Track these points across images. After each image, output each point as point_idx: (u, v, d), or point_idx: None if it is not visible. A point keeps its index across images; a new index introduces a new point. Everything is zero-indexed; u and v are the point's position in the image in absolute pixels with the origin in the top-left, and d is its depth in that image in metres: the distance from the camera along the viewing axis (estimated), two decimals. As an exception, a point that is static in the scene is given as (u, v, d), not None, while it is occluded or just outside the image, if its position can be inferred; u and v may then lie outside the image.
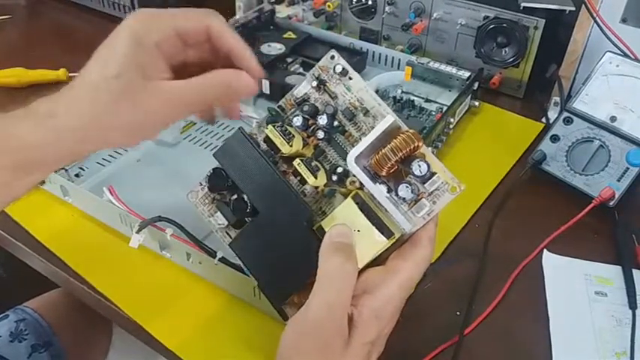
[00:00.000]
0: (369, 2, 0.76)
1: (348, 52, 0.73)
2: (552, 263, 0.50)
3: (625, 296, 0.47)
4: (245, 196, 0.38)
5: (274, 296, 0.37)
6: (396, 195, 0.33)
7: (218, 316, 0.45)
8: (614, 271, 0.49)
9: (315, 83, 0.38)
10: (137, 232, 0.46)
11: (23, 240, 0.51)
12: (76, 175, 0.57)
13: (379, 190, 0.33)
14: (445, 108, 0.62)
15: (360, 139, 0.34)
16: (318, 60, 0.38)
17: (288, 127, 0.37)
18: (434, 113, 0.64)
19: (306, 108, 0.37)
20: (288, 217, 0.36)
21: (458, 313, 0.46)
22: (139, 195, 0.52)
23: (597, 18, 0.60)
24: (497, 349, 0.44)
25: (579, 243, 0.52)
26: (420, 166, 0.33)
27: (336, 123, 0.37)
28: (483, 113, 0.69)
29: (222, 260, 0.44)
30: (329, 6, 0.77)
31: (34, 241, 0.51)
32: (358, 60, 0.72)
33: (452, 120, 0.62)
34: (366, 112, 0.37)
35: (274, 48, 0.72)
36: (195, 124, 0.65)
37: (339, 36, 0.76)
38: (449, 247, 0.51)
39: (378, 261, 0.34)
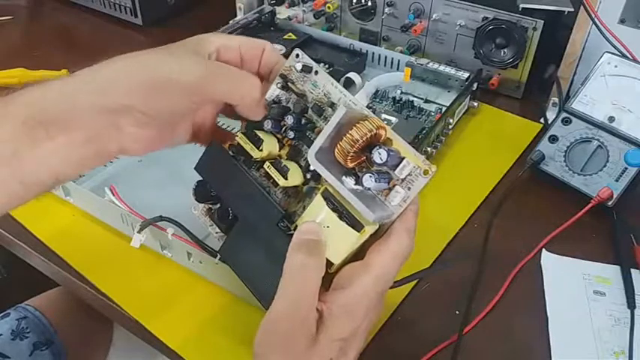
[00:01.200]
0: (369, 3, 0.76)
1: (348, 53, 0.74)
2: (551, 263, 0.50)
3: (623, 296, 0.47)
4: (226, 204, 0.38)
5: (263, 298, 0.36)
6: (362, 186, 0.32)
7: (219, 315, 0.45)
8: (612, 271, 0.50)
9: (280, 85, 0.37)
10: (138, 232, 0.46)
11: (25, 239, 0.51)
12: (78, 175, 0.57)
13: (344, 183, 0.32)
14: (444, 108, 0.63)
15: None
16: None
17: (257, 131, 0.37)
18: (433, 114, 0.64)
19: (273, 110, 0.37)
20: (263, 221, 0.36)
21: (457, 312, 0.46)
22: (140, 195, 0.52)
23: (596, 19, 0.61)
24: (496, 349, 0.44)
25: (578, 243, 0.52)
26: (379, 154, 0.32)
27: (304, 121, 0.37)
28: (482, 114, 0.69)
29: (223, 260, 0.44)
30: (329, 7, 0.77)
31: (36, 240, 0.51)
32: (358, 61, 0.72)
33: (451, 120, 0.63)
34: (333, 105, 0.36)
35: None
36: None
37: (339, 37, 0.76)
38: (448, 246, 0.52)
39: (361, 255, 0.34)
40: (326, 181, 0.33)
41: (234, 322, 0.44)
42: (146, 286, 0.47)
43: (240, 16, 0.82)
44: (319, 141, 0.32)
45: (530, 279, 0.49)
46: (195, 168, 0.39)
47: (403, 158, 0.33)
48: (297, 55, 0.37)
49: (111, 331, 0.72)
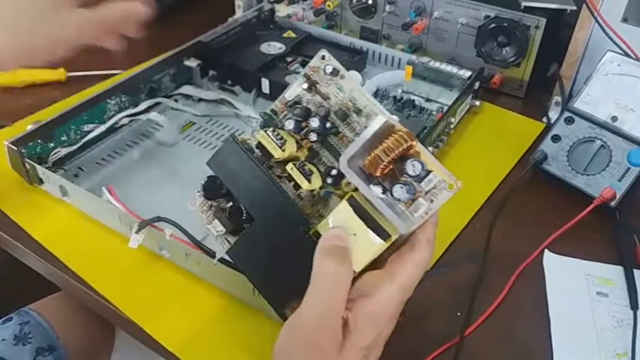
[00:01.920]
0: (370, 1, 0.76)
1: (349, 52, 0.73)
2: (553, 263, 0.50)
3: (626, 297, 0.47)
4: (240, 203, 0.37)
5: (275, 301, 0.36)
6: (392, 196, 0.33)
7: (217, 317, 0.45)
8: (615, 272, 0.49)
9: (305, 85, 0.37)
10: (136, 233, 0.46)
11: (21, 240, 0.51)
12: (75, 175, 0.56)
13: (373, 192, 0.33)
14: (446, 108, 0.62)
15: (354, 139, 0.34)
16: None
17: (280, 131, 0.37)
18: (434, 113, 0.64)
19: (297, 111, 0.37)
20: (283, 223, 0.35)
21: (459, 313, 0.45)
22: (138, 195, 0.52)
23: (598, 17, 0.60)
24: (498, 350, 0.44)
25: (580, 243, 0.52)
26: (413, 166, 0.32)
27: (328, 124, 0.37)
28: (484, 113, 0.68)
29: (222, 261, 0.43)
30: (329, 5, 0.77)
31: (33, 241, 0.50)
32: (358, 59, 0.72)
33: (453, 120, 0.62)
34: (359, 112, 0.36)
35: (274, 47, 0.72)
36: (194, 124, 0.64)
37: (340, 35, 0.75)
38: (450, 247, 0.51)
39: (378, 263, 0.34)
40: (348, 185, 0.33)
41: (233, 324, 0.44)
42: (144, 288, 0.47)
43: (239, 14, 0.81)
44: (354, 148, 0.33)
45: (533, 280, 0.49)
46: (207, 163, 0.38)
47: (430, 171, 0.33)
48: (323, 57, 0.37)
49: (113, 336, 0.71)
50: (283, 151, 0.36)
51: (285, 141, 0.36)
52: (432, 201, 0.33)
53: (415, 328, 0.45)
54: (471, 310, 0.45)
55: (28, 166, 0.54)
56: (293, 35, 0.74)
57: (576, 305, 0.46)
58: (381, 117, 0.33)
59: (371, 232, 0.33)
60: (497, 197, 0.56)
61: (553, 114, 0.66)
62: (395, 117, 0.34)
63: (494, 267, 0.49)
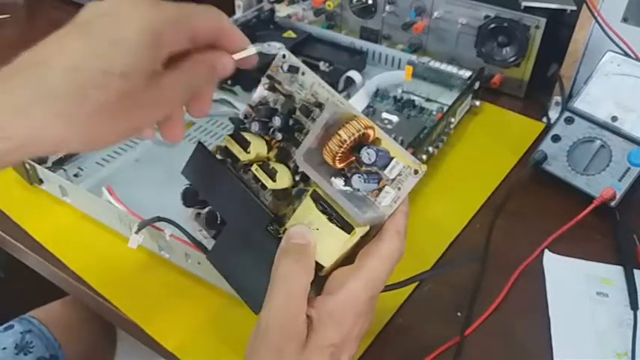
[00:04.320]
0: (370, 1, 0.75)
1: (349, 52, 0.73)
2: (553, 264, 0.50)
3: (627, 297, 0.47)
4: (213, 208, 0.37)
5: (253, 303, 0.36)
6: (351, 187, 0.32)
7: (217, 317, 0.45)
8: (615, 272, 0.49)
9: (267, 86, 0.37)
10: (136, 233, 0.46)
11: (21, 240, 0.51)
12: (75, 175, 0.56)
13: (334, 184, 0.32)
14: (446, 108, 0.62)
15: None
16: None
17: (245, 133, 0.36)
18: (435, 113, 0.64)
19: (262, 112, 0.36)
20: (252, 225, 0.35)
21: (459, 314, 0.45)
22: (137, 195, 0.51)
23: (598, 17, 0.60)
24: (498, 350, 0.43)
25: (581, 243, 0.51)
26: (368, 154, 0.31)
27: (292, 122, 0.36)
28: (484, 113, 0.68)
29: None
30: (329, 5, 0.77)
31: (33, 241, 0.50)
32: (358, 59, 0.71)
33: (453, 120, 0.62)
34: (320, 106, 0.36)
35: (274, 47, 0.71)
36: (194, 123, 0.64)
37: (340, 35, 0.75)
38: (450, 247, 0.51)
39: (353, 258, 0.33)
40: (315, 182, 0.33)
41: (233, 324, 0.44)
42: (144, 288, 0.47)
43: (239, 14, 0.81)
44: (307, 142, 0.32)
45: (533, 280, 0.48)
46: (182, 172, 0.38)
47: (392, 158, 0.32)
48: (284, 56, 0.37)
49: (114, 344, 0.71)
50: (248, 153, 0.35)
51: (250, 143, 0.35)
52: (399, 188, 0.32)
53: (415, 329, 0.45)
54: (471, 310, 0.45)
55: (28, 166, 0.54)
56: (293, 35, 0.74)
57: (576, 305, 0.46)
58: (329, 108, 0.32)
59: (334, 226, 0.32)
60: (497, 197, 0.56)
61: (553, 114, 0.66)
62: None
63: (494, 267, 0.49)
